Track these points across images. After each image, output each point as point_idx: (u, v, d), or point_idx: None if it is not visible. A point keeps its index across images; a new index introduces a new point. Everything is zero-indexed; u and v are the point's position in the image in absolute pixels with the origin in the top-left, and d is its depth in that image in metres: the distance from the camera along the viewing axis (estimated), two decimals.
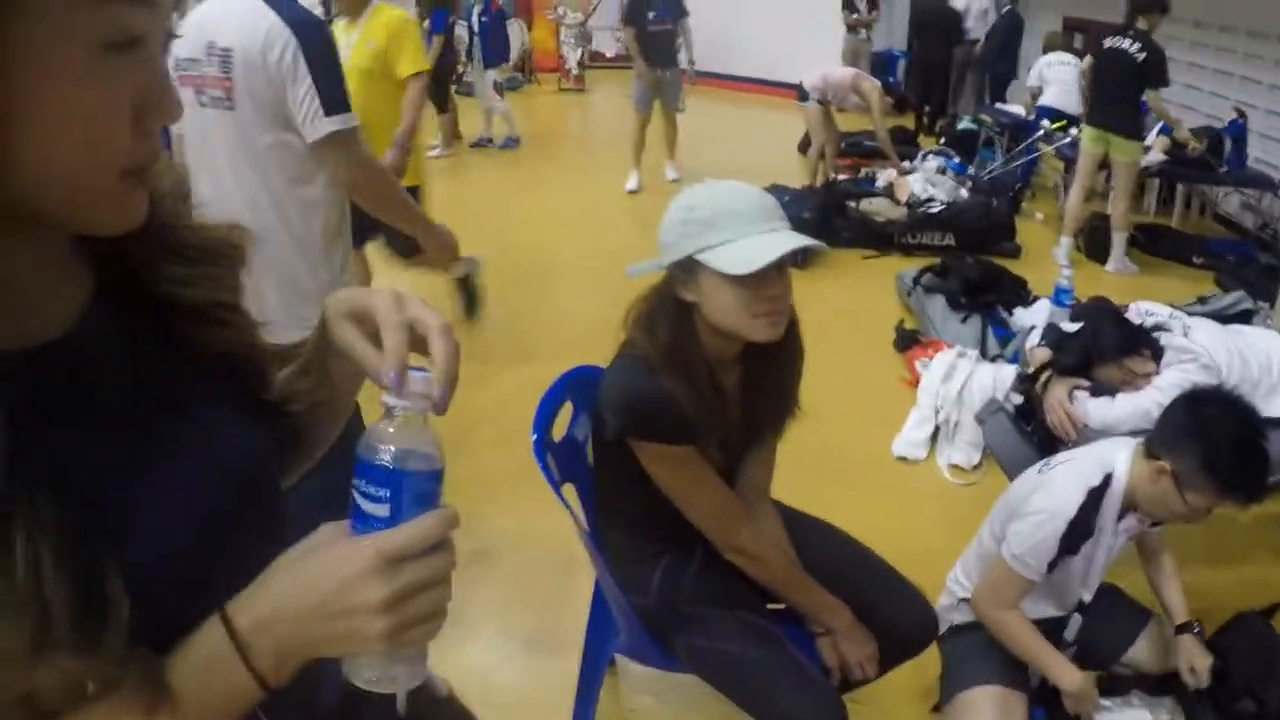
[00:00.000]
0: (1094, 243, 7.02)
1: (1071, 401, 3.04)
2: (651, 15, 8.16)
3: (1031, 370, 3.29)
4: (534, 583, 3.32)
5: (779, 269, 1.81)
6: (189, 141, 2.58)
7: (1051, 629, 2.42)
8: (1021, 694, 2.34)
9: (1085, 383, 3.10)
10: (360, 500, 0.77)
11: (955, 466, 4.12)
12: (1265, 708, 2.48)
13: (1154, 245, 7.27)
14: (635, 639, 2.20)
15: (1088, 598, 2.45)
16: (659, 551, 2.14)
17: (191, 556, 0.80)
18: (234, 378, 0.92)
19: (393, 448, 0.77)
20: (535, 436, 2.11)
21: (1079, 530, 2.24)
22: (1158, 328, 3.12)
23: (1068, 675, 2.25)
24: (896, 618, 2.21)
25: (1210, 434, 2.19)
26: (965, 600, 2.47)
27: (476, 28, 10.29)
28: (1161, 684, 2.56)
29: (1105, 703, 2.45)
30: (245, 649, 0.74)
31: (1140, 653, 2.57)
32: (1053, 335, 3.39)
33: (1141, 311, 3.24)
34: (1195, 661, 2.44)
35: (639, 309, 1.99)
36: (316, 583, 0.75)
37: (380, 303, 0.86)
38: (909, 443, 4.27)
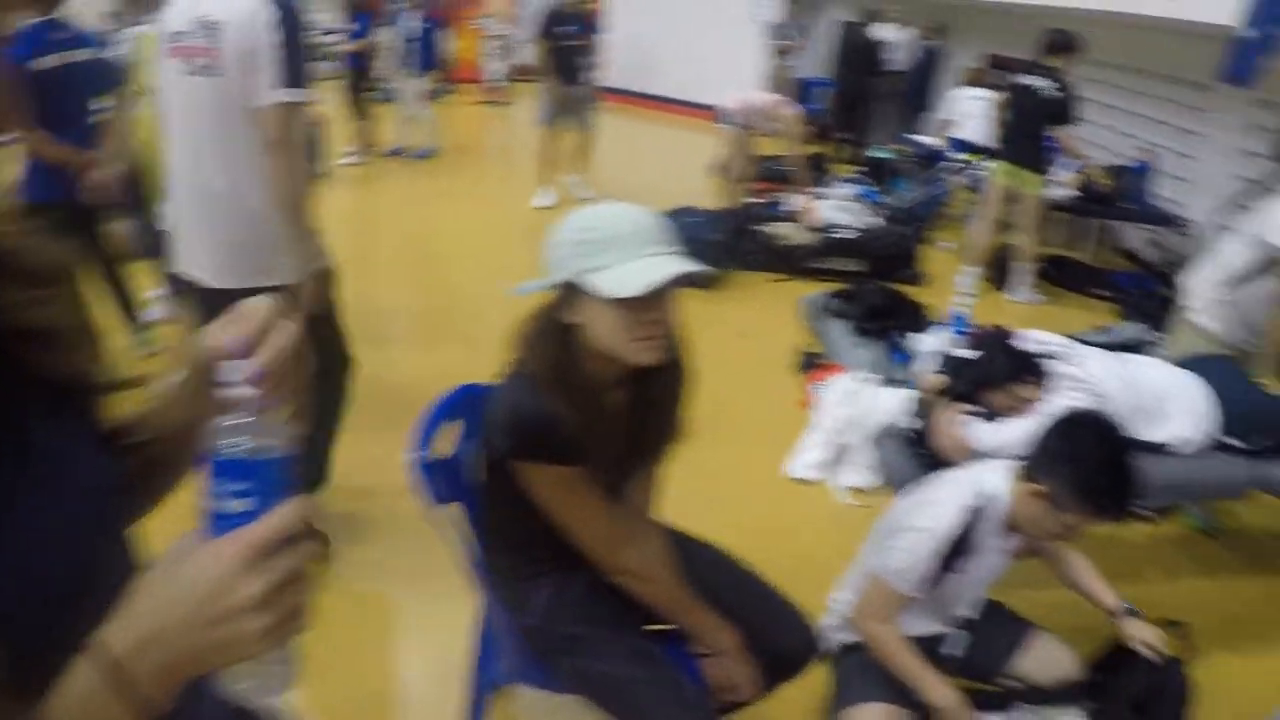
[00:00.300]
0: (1001, 272, 7.18)
1: (960, 426, 3.08)
2: (565, 30, 8.13)
3: (925, 395, 3.32)
4: (420, 609, 3.27)
5: (660, 294, 1.80)
6: (174, 110, 2.89)
7: (933, 646, 2.46)
8: (909, 711, 2.35)
9: (975, 408, 3.15)
10: (219, 502, 0.76)
11: (851, 489, 4.16)
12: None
13: (1061, 276, 7.49)
14: (520, 661, 2.19)
15: (970, 614, 2.50)
16: (544, 572, 2.13)
17: (55, 592, 0.77)
18: (76, 404, 0.89)
19: (244, 439, 0.77)
20: (415, 454, 2.10)
21: (957, 548, 2.29)
22: (1048, 356, 3.19)
23: (938, 691, 2.27)
24: (779, 639, 2.23)
25: (1081, 458, 2.26)
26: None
27: (411, 34, 10.17)
28: (1046, 695, 2.59)
29: (989, 718, 2.46)
30: (124, 676, 0.70)
31: (1024, 664, 2.60)
32: (948, 361, 3.46)
33: (1033, 340, 3.31)
34: (1146, 636, 2.52)
35: (526, 328, 1.98)
36: (189, 590, 0.72)
37: (254, 300, 0.87)
38: (806, 464, 4.31)
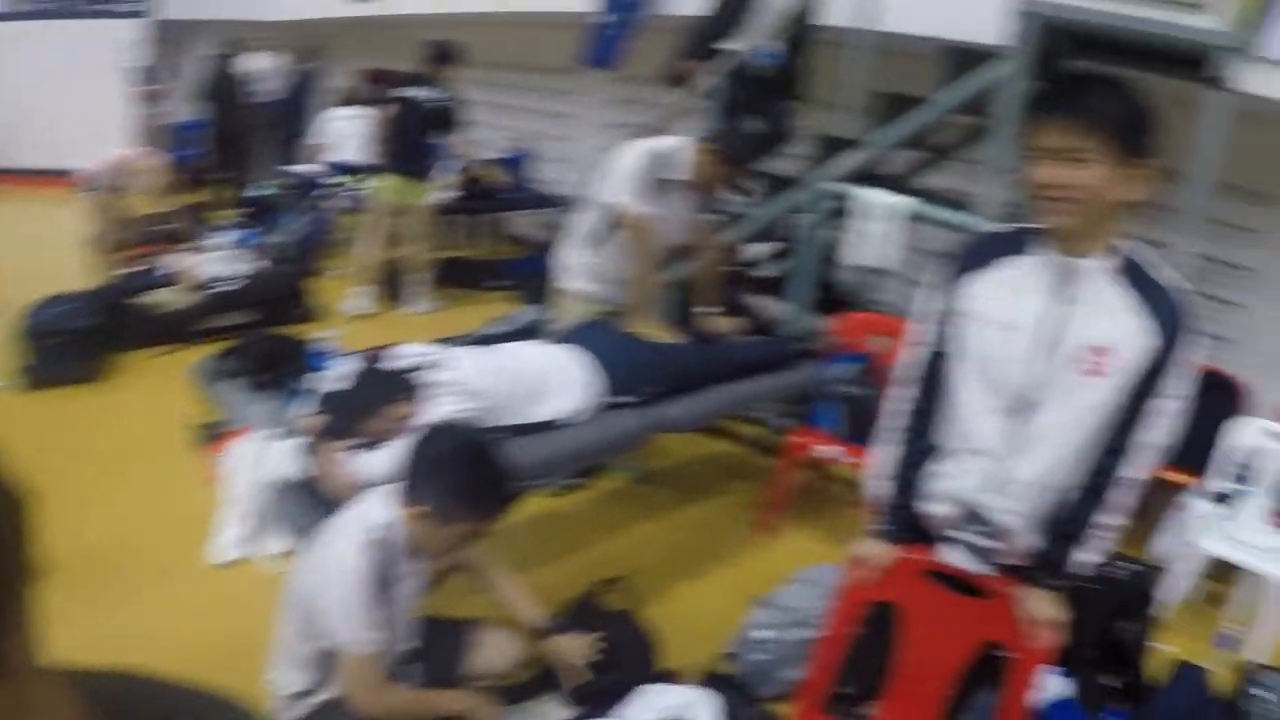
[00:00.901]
0: (397, 287, 7.22)
1: (341, 463, 2.92)
2: None
3: (307, 437, 3.11)
4: None
5: None
6: None
7: None
8: None
9: (355, 440, 2.99)
10: None
11: (278, 555, 3.87)
12: (625, 676, 2.75)
13: (457, 277, 7.70)
14: None
15: (410, 644, 2.52)
16: None
17: None
18: None
19: None
20: None
21: (378, 585, 2.26)
22: (415, 368, 3.11)
23: (461, 700, 2.40)
24: None
25: (446, 470, 2.30)
26: (301, 693, 2.42)
27: None
28: (521, 691, 2.75)
29: None
30: None
31: (479, 661, 2.66)
32: (322, 397, 3.25)
33: (404, 354, 3.22)
34: (571, 650, 2.70)
35: None
36: None
37: None
38: (226, 544, 3.97)
